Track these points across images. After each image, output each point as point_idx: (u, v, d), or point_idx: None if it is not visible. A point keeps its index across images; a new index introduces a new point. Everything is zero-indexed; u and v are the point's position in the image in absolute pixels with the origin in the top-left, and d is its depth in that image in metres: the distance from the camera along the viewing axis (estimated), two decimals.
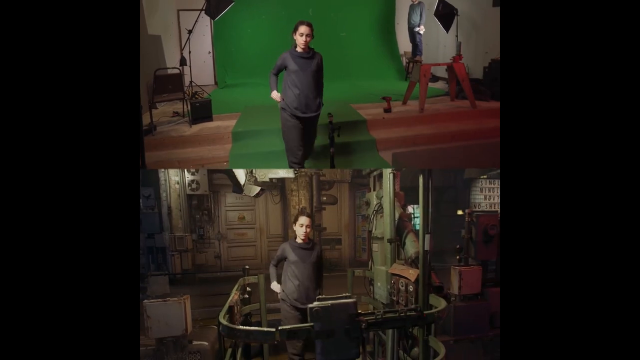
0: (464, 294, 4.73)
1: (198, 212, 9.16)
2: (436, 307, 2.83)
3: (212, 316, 4.29)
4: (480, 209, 9.29)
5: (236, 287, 3.85)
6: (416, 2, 8.61)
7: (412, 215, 6.95)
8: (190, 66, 6.69)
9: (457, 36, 6.90)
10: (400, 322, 2.34)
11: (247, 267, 4.41)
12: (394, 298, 3.53)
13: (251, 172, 6.60)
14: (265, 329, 2.21)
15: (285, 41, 4.47)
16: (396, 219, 3.74)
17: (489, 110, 6.37)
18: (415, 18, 8.63)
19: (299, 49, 3.97)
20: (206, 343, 4.31)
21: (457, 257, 4.98)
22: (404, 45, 9.70)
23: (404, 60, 9.62)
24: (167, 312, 3.97)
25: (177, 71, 6.36)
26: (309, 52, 4.00)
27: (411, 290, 3.23)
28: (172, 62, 7.57)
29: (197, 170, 8.40)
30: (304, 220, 3.80)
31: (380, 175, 3.98)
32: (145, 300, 4.00)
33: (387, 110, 6.26)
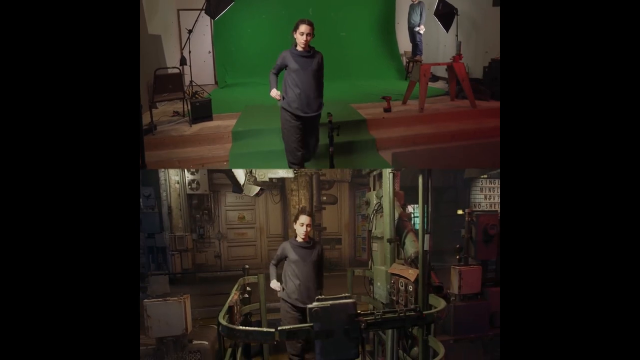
0: (464, 293, 4.73)
1: (198, 211, 9.16)
2: (435, 307, 2.83)
3: (212, 316, 4.29)
4: (480, 209, 9.29)
5: (236, 286, 3.85)
6: (416, 2, 8.61)
7: (412, 215, 6.95)
8: (190, 66, 6.69)
9: (457, 36, 6.90)
10: (399, 323, 2.35)
11: (247, 266, 4.41)
12: (394, 298, 3.53)
13: (250, 172, 6.60)
14: (265, 329, 2.21)
15: (285, 40, 4.47)
16: (396, 219, 3.73)
17: (488, 109, 6.37)
18: (415, 18, 8.63)
19: (299, 48, 3.95)
20: (206, 342, 4.32)
21: (457, 257, 4.99)
22: (404, 44, 9.70)
23: (404, 60, 9.62)
24: (167, 312, 3.97)
25: (177, 71, 6.36)
26: (310, 51, 3.99)
27: (411, 290, 3.23)
28: (172, 61, 7.56)
29: (197, 170, 8.40)
30: (304, 219, 3.79)
31: (380, 175, 3.98)
32: (146, 300, 4.00)
33: (387, 109, 6.26)
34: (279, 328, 2.14)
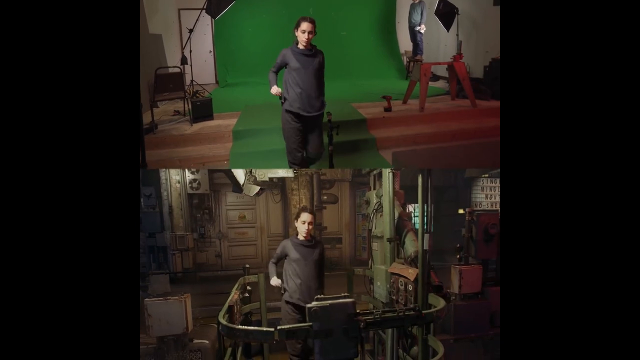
0: (465, 293, 4.74)
1: (199, 211, 9.17)
2: (435, 307, 2.84)
3: (213, 315, 4.29)
4: (481, 208, 9.29)
5: (236, 286, 3.83)
6: (417, 1, 8.61)
7: (412, 214, 6.94)
8: (191, 65, 6.70)
9: (457, 35, 6.89)
10: (398, 322, 2.35)
11: (247, 266, 4.40)
12: (394, 297, 3.53)
13: (250, 171, 6.60)
14: (264, 328, 2.22)
15: (286, 40, 4.45)
16: (396, 218, 3.73)
17: (489, 109, 6.36)
18: (416, 17, 8.63)
19: (300, 46, 3.88)
20: (207, 341, 4.33)
21: (458, 256, 4.99)
22: (405, 44, 9.70)
23: (405, 59, 9.62)
24: (168, 311, 3.99)
25: (178, 70, 6.37)
26: (312, 50, 3.91)
27: (410, 289, 3.23)
28: (173, 61, 7.58)
29: (198, 170, 8.41)
30: (306, 217, 3.71)
31: (380, 174, 3.98)
32: (147, 299, 4.01)
33: (388, 109, 6.26)
34: (278, 327, 2.15)
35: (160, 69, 6.27)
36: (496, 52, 6.93)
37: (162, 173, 8.46)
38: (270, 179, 6.79)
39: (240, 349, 3.50)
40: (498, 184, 9.92)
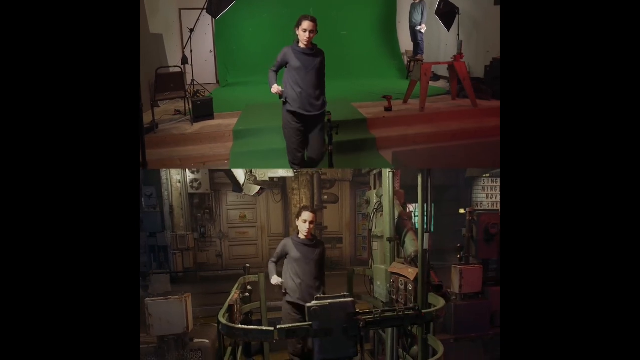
0: (465, 292, 4.74)
1: (199, 210, 9.18)
2: (435, 306, 2.84)
3: (213, 314, 4.29)
4: (482, 208, 9.27)
5: (237, 285, 3.83)
6: (417, 1, 8.60)
7: (413, 214, 6.94)
8: (191, 65, 6.72)
9: (458, 35, 6.89)
10: (398, 321, 2.36)
11: (248, 265, 4.40)
12: (394, 297, 3.53)
13: (250, 171, 6.60)
14: (264, 327, 2.22)
15: (287, 39, 4.44)
16: (396, 218, 3.73)
17: (490, 109, 6.36)
18: (417, 17, 8.63)
19: (301, 45, 3.85)
20: (207, 341, 4.33)
21: (458, 256, 4.99)
22: (405, 44, 9.70)
23: (405, 59, 9.62)
24: (168, 310, 3.99)
25: (178, 70, 6.38)
26: (313, 49, 3.88)
27: (410, 289, 3.23)
28: (173, 60, 7.58)
29: (198, 169, 8.42)
30: (307, 215, 3.69)
31: (381, 174, 3.98)
32: (147, 298, 4.01)
33: (388, 109, 6.25)
34: (277, 327, 2.15)
35: (161, 68, 6.27)
36: (497, 52, 6.92)
37: (163, 173, 8.47)
38: (271, 178, 6.79)
39: (240, 348, 3.50)
40: (499, 183, 9.91)
